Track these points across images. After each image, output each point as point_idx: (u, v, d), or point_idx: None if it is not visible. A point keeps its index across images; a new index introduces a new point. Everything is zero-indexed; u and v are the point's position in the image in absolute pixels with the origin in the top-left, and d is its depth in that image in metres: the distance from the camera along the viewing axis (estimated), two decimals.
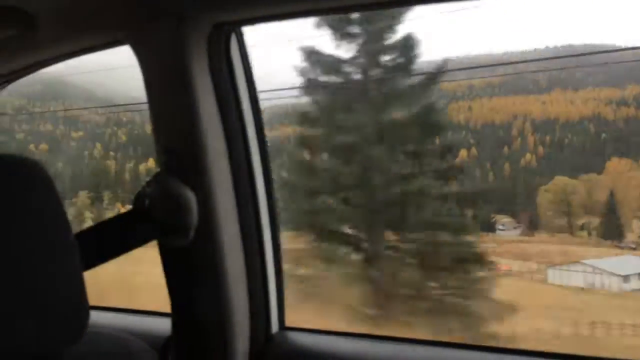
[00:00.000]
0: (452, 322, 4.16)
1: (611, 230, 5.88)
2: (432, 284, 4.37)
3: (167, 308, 1.56)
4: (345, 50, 4.57)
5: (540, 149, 6.34)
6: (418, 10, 4.78)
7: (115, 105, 8.11)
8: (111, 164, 7.45)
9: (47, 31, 1.50)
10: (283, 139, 5.78)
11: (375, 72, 4.64)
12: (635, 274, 5.10)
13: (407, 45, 4.46)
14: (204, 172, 1.42)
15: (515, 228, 6.18)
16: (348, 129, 4.63)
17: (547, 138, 6.42)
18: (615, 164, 6.04)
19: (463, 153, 6.10)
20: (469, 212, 5.00)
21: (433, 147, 4.78)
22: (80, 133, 7.92)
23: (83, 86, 8.01)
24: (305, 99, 4.85)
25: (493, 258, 4.92)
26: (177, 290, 1.52)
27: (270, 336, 1.59)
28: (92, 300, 0.90)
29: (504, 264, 5.57)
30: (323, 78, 4.75)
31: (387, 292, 4.46)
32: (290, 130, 5.59)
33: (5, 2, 1.35)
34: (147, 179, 1.43)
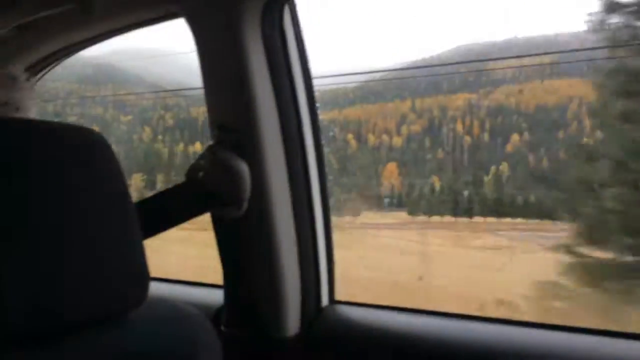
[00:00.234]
0: None
1: None
2: None
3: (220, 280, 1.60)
4: None
5: None
6: None
7: (164, 91, 8.28)
8: (160, 147, 7.63)
9: (102, 5, 1.53)
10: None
11: None
12: None
13: None
14: (257, 145, 1.43)
15: None
16: None
17: None
18: None
19: None
20: None
21: None
22: (129, 117, 8.14)
23: (131, 71, 8.21)
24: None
25: None
26: (230, 261, 1.55)
27: (320, 309, 1.60)
28: None
29: None
30: None
31: None
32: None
33: None
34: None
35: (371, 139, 5.91)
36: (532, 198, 5.34)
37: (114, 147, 0.92)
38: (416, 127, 5.86)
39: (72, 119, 8.00)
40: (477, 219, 5.55)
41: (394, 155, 5.92)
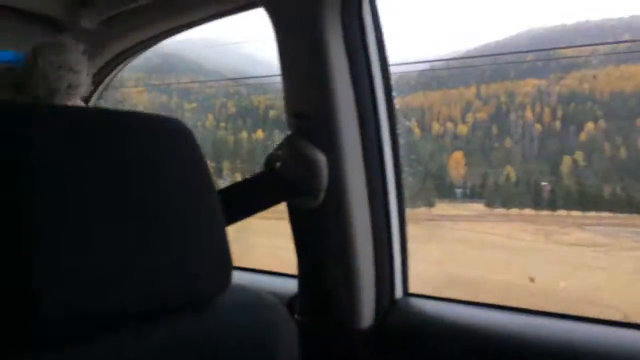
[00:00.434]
0: None
1: None
2: None
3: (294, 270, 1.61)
4: None
5: None
6: None
7: (227, 79, 8.45)
8: (223, 134, 7.81)
9: None
10: None
11: None
12: None
13: None
14: (334, 136, 1.42)
15: None
16: None
17: None
18: None
19: None
20: None
21: None
22: (193, 104, 8.38)
23: (194, 60, 8.42)
24: None
25: None
26: (305, 251, 1.56)
27: (394, 301, 1.59)
28: None
29: None
30: None
31: None
32: None
33: None
34: (268, 147, 1.46)
35: (435, 127, 5.77)
36: (617, 190, 5.07)
37: None
38: (482, 115, 5.67)
39: (139, 108, 8.31)
40: (560, 212, 5.32)
41: (459, 143, 5.76)
